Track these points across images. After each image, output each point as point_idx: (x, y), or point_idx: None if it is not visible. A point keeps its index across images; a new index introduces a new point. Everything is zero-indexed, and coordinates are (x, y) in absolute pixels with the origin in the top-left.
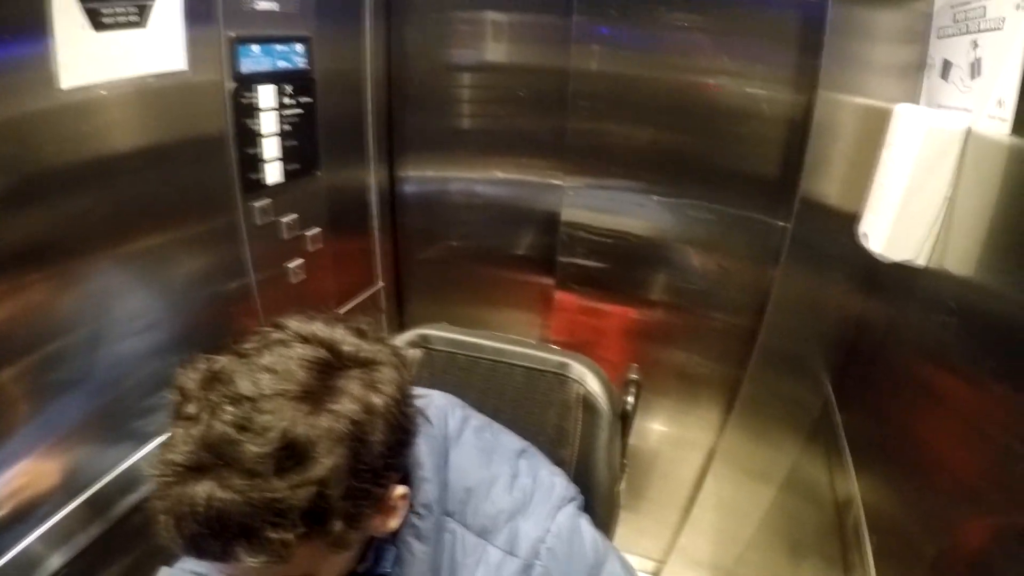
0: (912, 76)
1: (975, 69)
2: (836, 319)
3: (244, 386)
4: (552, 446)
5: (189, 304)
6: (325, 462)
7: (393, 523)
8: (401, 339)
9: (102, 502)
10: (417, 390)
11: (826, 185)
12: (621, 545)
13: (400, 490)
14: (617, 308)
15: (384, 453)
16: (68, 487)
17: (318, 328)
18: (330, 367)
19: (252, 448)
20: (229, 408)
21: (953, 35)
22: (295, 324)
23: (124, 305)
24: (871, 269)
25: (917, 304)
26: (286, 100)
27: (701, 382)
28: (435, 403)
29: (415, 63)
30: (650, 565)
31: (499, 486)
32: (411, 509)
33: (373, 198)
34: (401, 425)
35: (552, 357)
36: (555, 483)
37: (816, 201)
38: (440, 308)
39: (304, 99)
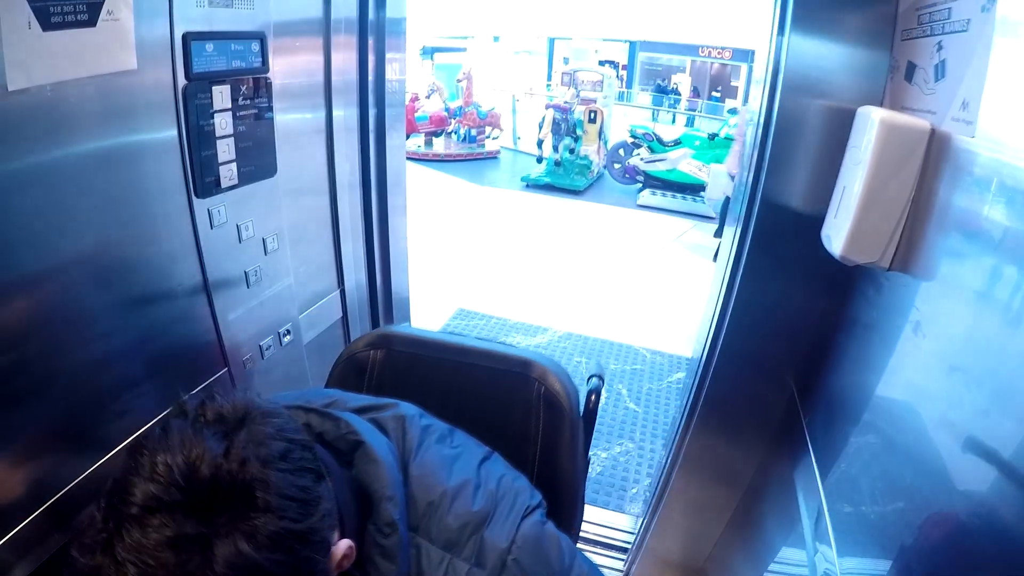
0: (876, 78)
1: (939, 71)
2: (799, 320)
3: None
4: (515, 444)
5: (142, 310)
6: None
7: (347, 564)
8: (363, 340)
9: (64, 511)
10: (382, 400)
11: (787, 186)
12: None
13: (343, 547)
14: None
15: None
16: (30, 496)
17: (172, 474)
18: (196, 542)
19: None
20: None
21: (918, 37)
22: (142, 488)
23: (75, 311)
24: (835, 271)
25: (881, 306)
26: (241, 101)
27: None
28: (396, 414)
29: None
30: (619, 564)
31: (462, 498)
32: (376, 527)
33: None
34: (301, 516)
35: (514, 355)
36: (519, 490)
37: (777, 202)
38: None
39: (260, 100)
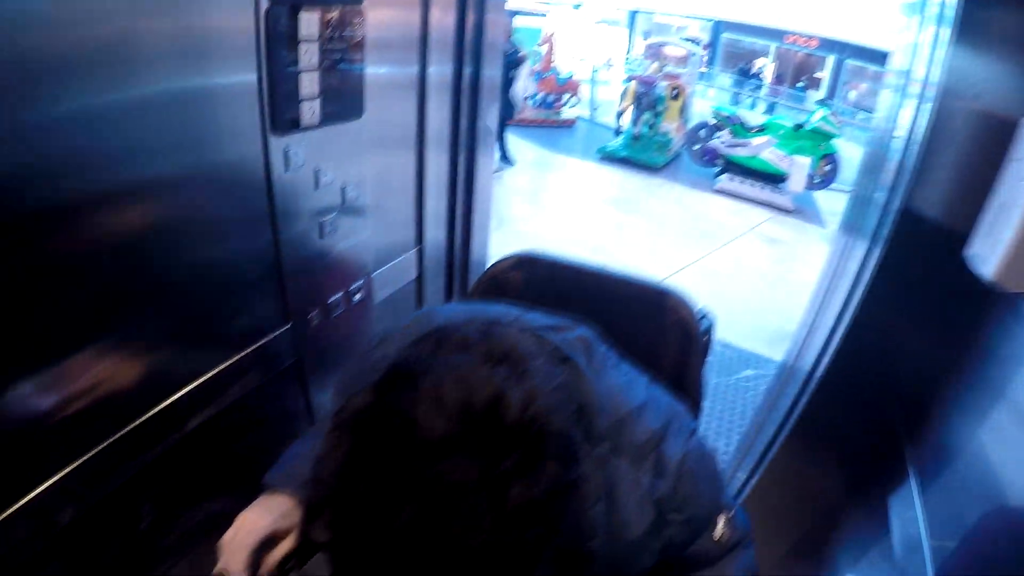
0: None
1: None
2: (918, 344)
3: None
4: (646, 369)
5: (201, 254)
6: None
7: None
8: (505, 262)
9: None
10: (563, 321)
11: (931, 201)
12: None
13: None
14: None
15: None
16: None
17: (468, 413)
18: (485, 484)
19: None
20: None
21: None
22: (437, 424)
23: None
24: (973, 297)
25: None
26: (330, 32)
27: None
28: (582, 335)
29: None
30: None
31: (644, 417)
32: (586, 439)
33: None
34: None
35: (652, 285)
36: (682, 412)
37: (918, 217)
38: None
39: (351, 33)
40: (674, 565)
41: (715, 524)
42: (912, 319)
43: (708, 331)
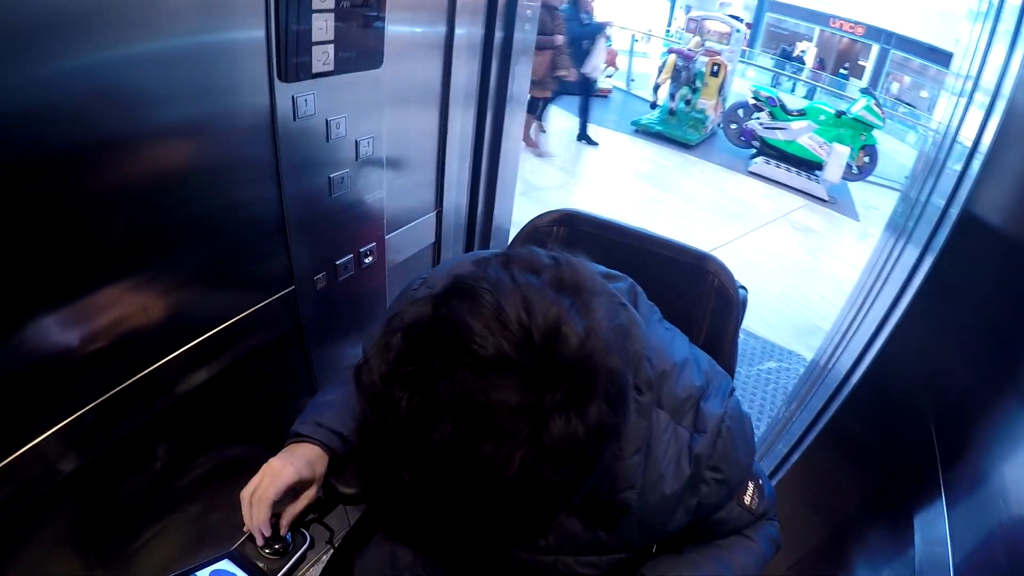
0: None
1: None
2: (964, 359)
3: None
4: (682, 331)
5: (202, 207)
6: None
7: None
8: (548, 216)
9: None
10: (611, 271)
11: (994, 208)
12: None
13: None
14: None
15: None
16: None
17: (529, 338)
18: (532, 411)
19: None
20: None
21: None
22: (493, 342)
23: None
24: None
25: None
26: None
27: None
28: (629, 286)
29: None
30: None
31: (687, 372)
32: (633, 386)
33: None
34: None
35: (691, 249)
36: (721, 373)
37: (978, 225)
38: None
39: None
40: (703, 528)
41: (746, 488)
42: (961, 331)
43: (744, 302)
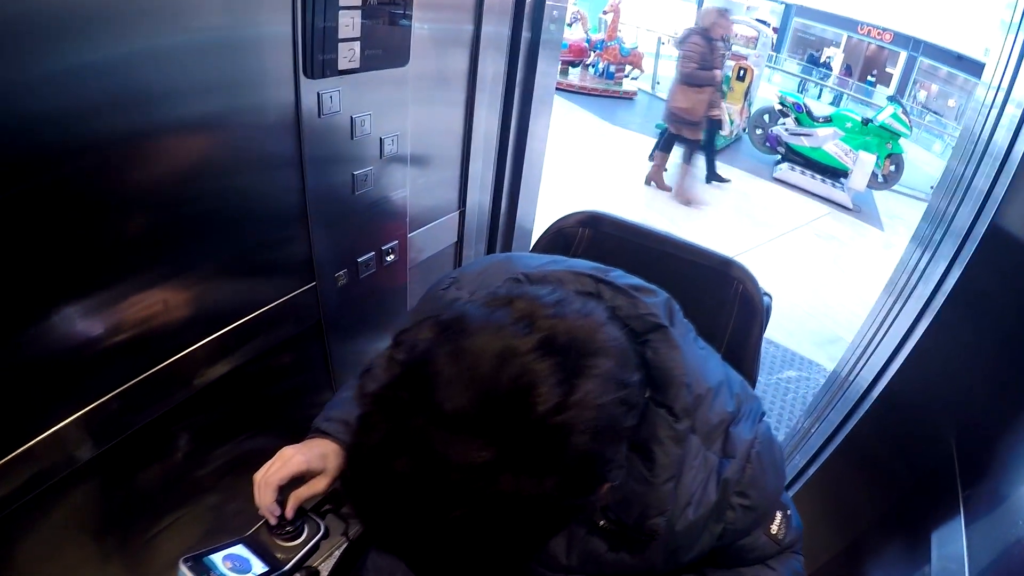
0: None
1: None
2: (988, 376)
3: None
4: (704, 337)
5: (226, 202)
6: None
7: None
8: (573, 217)
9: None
10: (645, 284)
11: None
12: None
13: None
14: None
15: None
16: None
17: (493, 400)
18: (485, 471)
19: None
20: None
21: None
22: (453, 400)
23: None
24: None
25: None
26: None
27: None
28: (665, 301)
29: None
30: None
31: (721, 397)
32: (668, 410)
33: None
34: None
35: (716, 254)
36: (752, 396)
37: (1008, 240)
38: None
39: None
40: (727, 553)
41: (773, 518)
42: (986, 348)
43: (768, 309)
